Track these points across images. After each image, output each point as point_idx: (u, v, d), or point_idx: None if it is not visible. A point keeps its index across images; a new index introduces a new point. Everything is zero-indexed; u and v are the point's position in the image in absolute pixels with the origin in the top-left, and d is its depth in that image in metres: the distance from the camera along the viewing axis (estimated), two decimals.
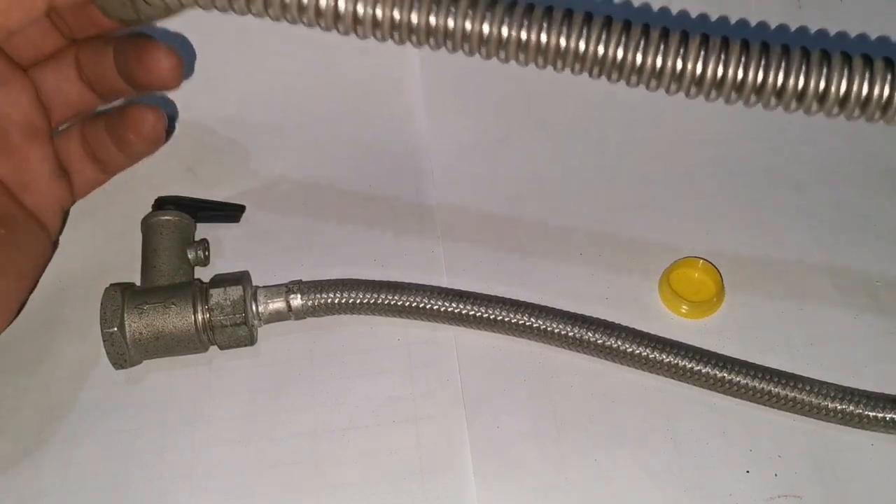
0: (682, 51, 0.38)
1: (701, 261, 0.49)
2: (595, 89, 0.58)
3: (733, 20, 0.60)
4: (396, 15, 0.39)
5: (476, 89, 0.58)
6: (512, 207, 0.52)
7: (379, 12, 0.39)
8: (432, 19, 0.39)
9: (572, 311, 0.46)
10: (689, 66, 0.38)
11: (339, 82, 0.58)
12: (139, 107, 0.48)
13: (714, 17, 0.60)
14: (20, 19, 0.39)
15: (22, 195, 0.46)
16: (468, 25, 0.39)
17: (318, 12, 0.40)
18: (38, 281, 0.48)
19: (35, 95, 0.46)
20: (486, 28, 0.39)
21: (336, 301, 0.46)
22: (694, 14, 0.60)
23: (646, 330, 0.46)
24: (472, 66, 0.59)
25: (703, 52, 0.38)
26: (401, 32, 0.40)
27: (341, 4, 0.39)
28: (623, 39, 0.39)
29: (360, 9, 0.39)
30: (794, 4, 0.61)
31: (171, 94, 0.57)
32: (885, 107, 0.37)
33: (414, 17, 0.39)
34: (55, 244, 0.49)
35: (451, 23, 0.39)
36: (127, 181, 0.53)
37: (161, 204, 0.50)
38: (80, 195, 0.50)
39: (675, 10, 0.60)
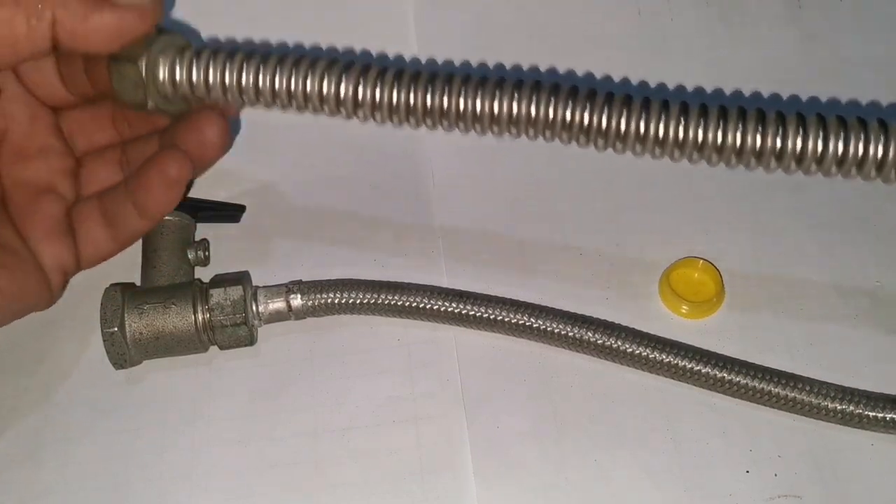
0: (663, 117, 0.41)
1: (701, 261, 0.49)
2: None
3: (735, 23, 0.60)
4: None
5: None
6: (511, 208, 0.52)
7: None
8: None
9: (572, 311, 0.46)
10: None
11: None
12: (166, 152, 0.46)
13: (715, 19, 0.60)
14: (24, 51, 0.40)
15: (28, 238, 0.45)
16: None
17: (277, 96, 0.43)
18: (13, 319, 0.45)
19: (74, 170, 0.47)
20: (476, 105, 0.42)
21: (336, 301, 0.46)
22: (694, 15, 0.61)
23: (646, 330, 0.46)
24: (471, 68, 0.59)
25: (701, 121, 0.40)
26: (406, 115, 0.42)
27: (326, 88, 0.42)
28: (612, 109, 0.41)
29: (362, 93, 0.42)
30: (794, 5, 0.61)
31: None
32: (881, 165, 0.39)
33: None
34: (50, 301, 0.46)
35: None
36: None
37: None
38: (86, 264, 0.48)
39: (677, 16, 0.61)
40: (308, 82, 0.42)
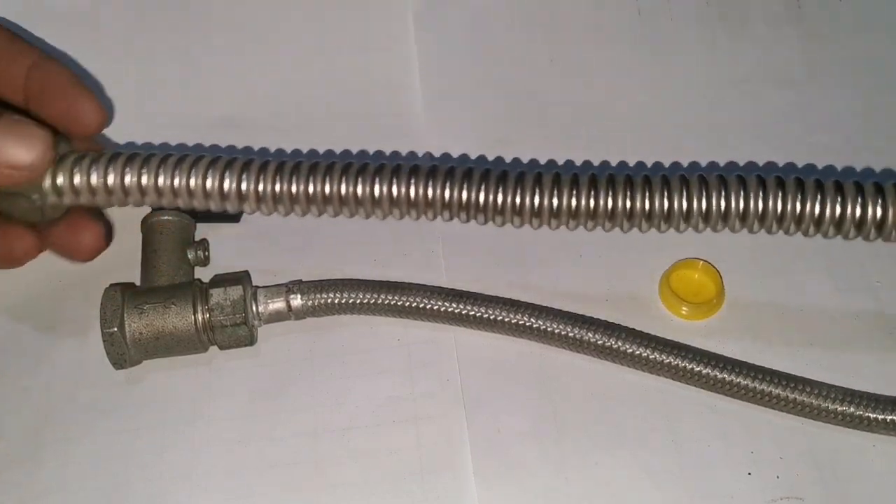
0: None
1: (701, 262, 0.49)
2: (593, 92, 0.58)
3: (734, 22, 0.60)
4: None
5: (475, 90, 0.58)
6: None
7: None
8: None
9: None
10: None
11: (338, 83, 0.58)
12: (18, 232, 0.45)
13: (714, 19, 0.61)
14: None
15: None
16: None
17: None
18: None
19: None
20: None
21: (336, 301, 0.46)
22: (694, 14, 0.61)
23: (646, 331, 0.46)
24: (471, 67, 0.59)
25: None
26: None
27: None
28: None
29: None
30: (793, 5, 0.61)
31: (174, 94, 0.57)
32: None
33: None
34: None
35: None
36: None
37: None
38: None
39: (677, 15, 0.61)
40: (174, 179, 0.42)
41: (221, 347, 0.46)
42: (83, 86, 0.46)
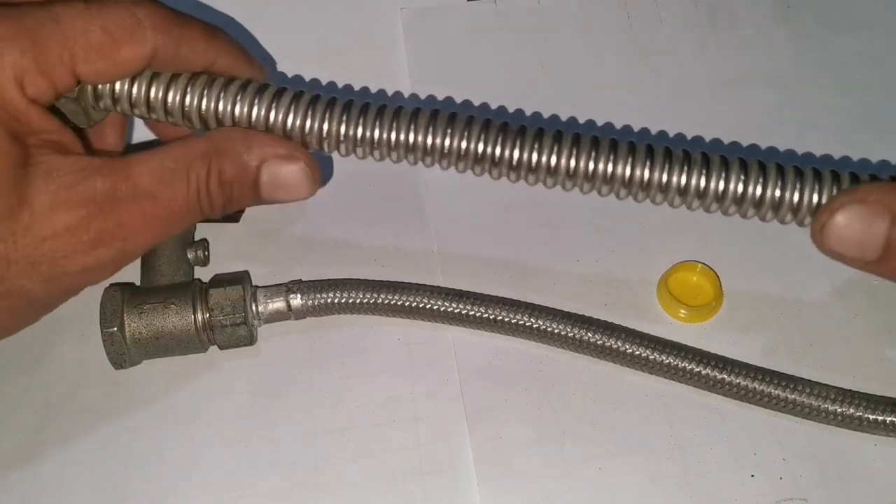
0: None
1: (699, 264, 0.49)
2: (590, 96, 0.58)
3: (723, 24, 0.61)
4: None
5: (473, 93, 0.58)
6: (508, 214, 0.52)
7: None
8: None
9: None
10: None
11: (338, 83, 0.58)
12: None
13: (704, 21, 0.61)
14: None
15: None
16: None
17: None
18: None
19: None
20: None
21: (336, 301, 0.46)
22: (683, 17, 0.61)
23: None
24: (467, 70, 0.59)
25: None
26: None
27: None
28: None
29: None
30: (782, 4, 0.61)
31: None
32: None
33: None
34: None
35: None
36: None
37: None
38: None
39: (665, 19, 0.61)
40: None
41: (221, 347, 0.46)
42: (245, 51, 0.46)
